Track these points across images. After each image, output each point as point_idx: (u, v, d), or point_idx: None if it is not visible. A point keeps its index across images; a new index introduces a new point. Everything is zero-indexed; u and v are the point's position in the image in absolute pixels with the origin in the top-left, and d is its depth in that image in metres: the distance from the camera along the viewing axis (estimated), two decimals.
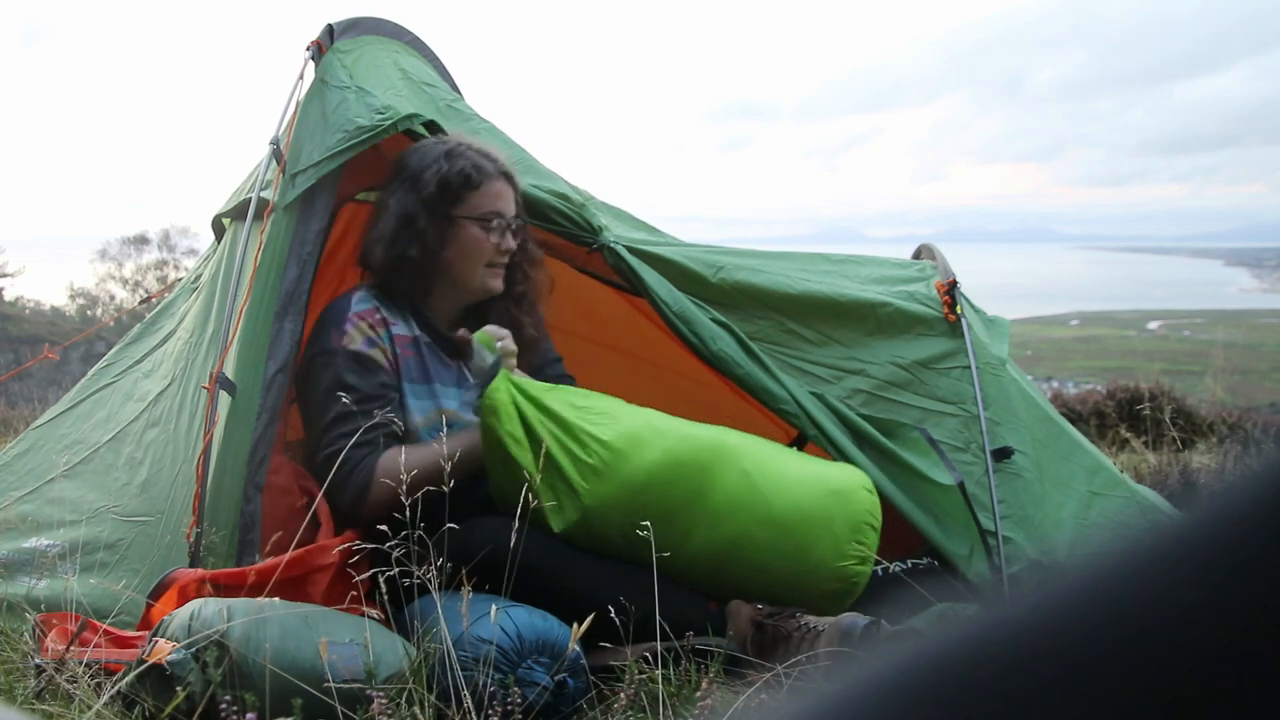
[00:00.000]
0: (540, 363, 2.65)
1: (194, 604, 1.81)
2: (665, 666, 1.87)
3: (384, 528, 1.95)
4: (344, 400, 2.23)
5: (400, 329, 2.40)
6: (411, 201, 2.40)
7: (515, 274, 2.54)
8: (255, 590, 1.93)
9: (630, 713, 1.83)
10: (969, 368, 2.53)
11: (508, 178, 2.48)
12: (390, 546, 1.90)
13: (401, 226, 2.40)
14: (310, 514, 2.22)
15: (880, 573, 2.35)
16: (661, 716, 1.79)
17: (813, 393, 2.51)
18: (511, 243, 2.47)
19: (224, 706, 1.59)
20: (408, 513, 1.94)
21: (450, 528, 1.95)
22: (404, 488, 2.00)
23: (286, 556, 1.98)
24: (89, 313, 29.63)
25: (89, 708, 1.72)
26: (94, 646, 1.90)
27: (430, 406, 2.38)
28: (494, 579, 2.00)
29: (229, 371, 2.27)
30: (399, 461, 2.13)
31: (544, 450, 2.07)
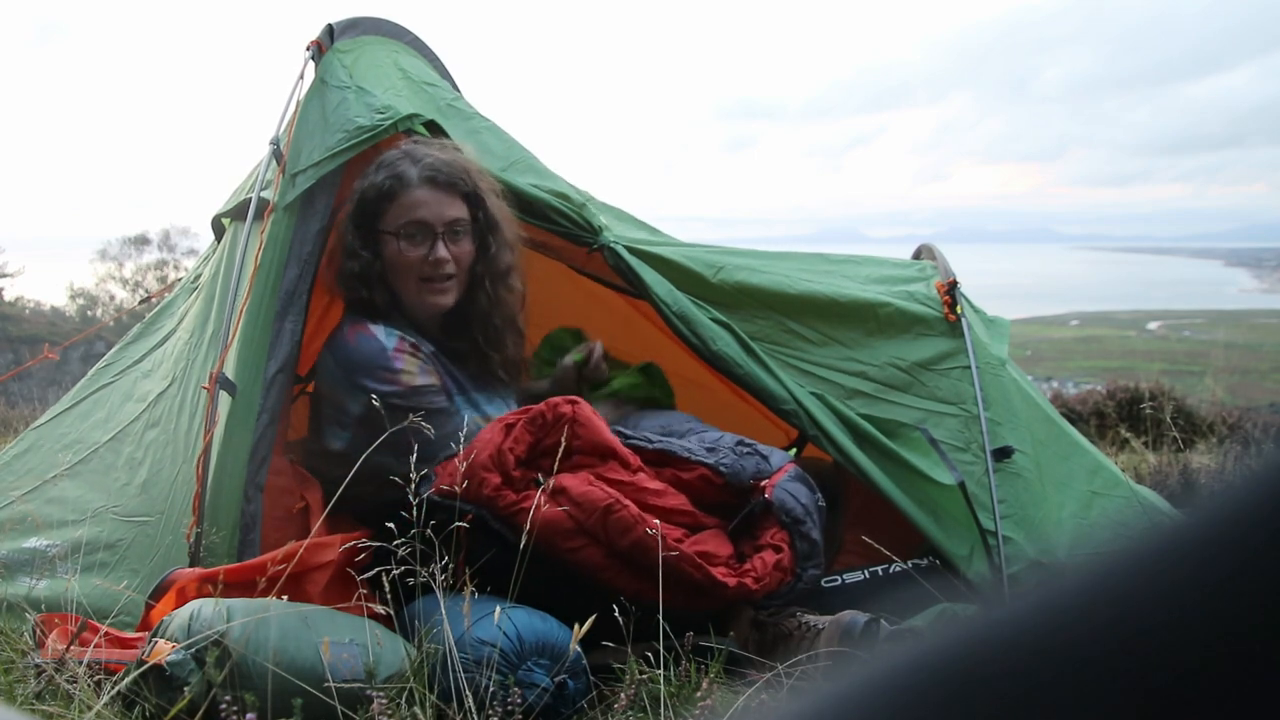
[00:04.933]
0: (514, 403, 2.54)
1: (194, 604, 1.81)
2: (665, 667, 1.87)
3: (391, 525, 1.94)
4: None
5: (425, 348, 2.36)
6: (346, 217, 2.38)
7: (477, 293, 2.41)
8: (261, 586, 1.93)
9: (630, 713, 1.83)
10: (969, 368, 2.53)
11: (434, 182, 2.33)
12: (395, 546, 1.90)
13: (340, 243, 2.39)
14: (306, 519, 2.22)
15: (880, 572, 2.35)
16: (661, 716, 1.79)
17: (813, 393, 2.51)
18: (444, 252, 2.33)
19: (224, 707, 1.59)
20: (414, 512, 1.93)
21: (460, 526, 1.95)
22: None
23: (294, 546, 1.97)
24: (89, 313, 29.63)
25: (89, 708, 1.72)
26: (94, 647, 1.90)
27: (472, 413, 2.35)
28: (497, 579, 1.99)
29: (229, 372, 2.27)
30: None
31: None
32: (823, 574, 2.23)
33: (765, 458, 2.28)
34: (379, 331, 2.31)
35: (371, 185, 2.34)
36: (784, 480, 2.22)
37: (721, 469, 2.20)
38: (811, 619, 2.10)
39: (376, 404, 2.17)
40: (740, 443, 2.32)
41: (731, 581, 2.03)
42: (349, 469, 2.06)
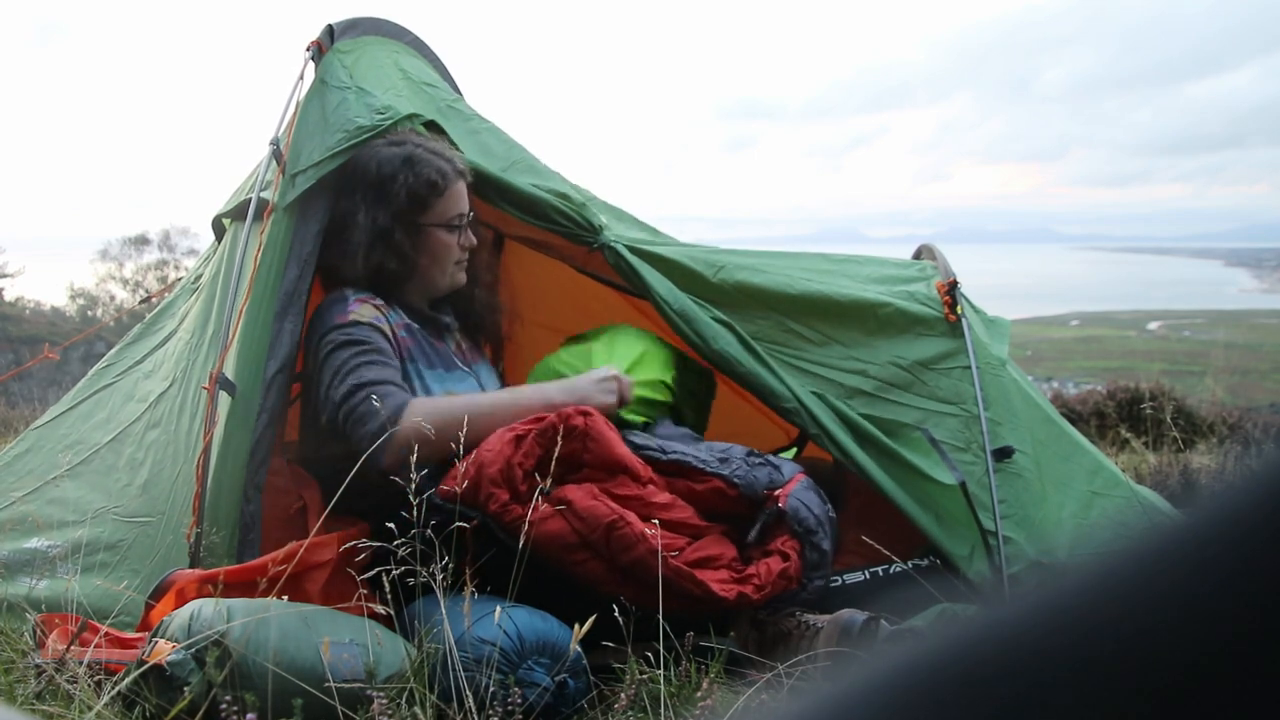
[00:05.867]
0: (500, 366, 2.81)
1: (194, 604, 1.81)
2: (665, 667, 1.87)
3: (391, 525, 1.94)
4: (361, 354, 2.27)
5: (395, 319, 2.42)
6: (382, 215, 2.41)
7: (478, 262, 2.64)
8: (262, 586, 1.93)
9: (630, 713, 1.83)
10: (969, 368, 2.53)
11: (463, 176, 2.52)
12: (395, 546, 1.90)
13: (376, 240, 2.41)
14: (305, 519, 2.22)
15: (881, 573, 2.35)
16: (662, 716, 1.79)
17: (813, 392, 2.51)
18: (473, 238, 2.55)
19: (224, 707, 1.59)
20: (412, 490, 1.93)
21: (460, 526, 1.95)
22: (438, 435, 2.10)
23: (294, 546, 1.97)
24: (89, 313, 29.63)
25: (89, 708, 1.72)
26: (94, 647, 1.90)
27: (442, 390, 2.40)
28: (498, 579, 2.00)
29: (229, 372, 2.27)
30: (439, 404, 2.23)
31: None
32: (828, 583, 2.24)
33: (777, 468, 2.28)
34: (348, 291, 2.41)
35: (424, 181, 2.41)
36: (797, 490, 2.23)
37: (735, 480, 2.21)
38: (810, 618, 2.10)
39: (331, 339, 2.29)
40: (750, 453, 2.32)
41: (731, 594, 2.04)
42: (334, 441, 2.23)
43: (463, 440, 2.08)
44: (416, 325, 2.46)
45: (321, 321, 2.36)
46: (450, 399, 2.28)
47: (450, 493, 2.05)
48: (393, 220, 2.41)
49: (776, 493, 2.21)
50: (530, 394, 2.34)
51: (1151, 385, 6.65)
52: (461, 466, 2.06)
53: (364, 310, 2.36)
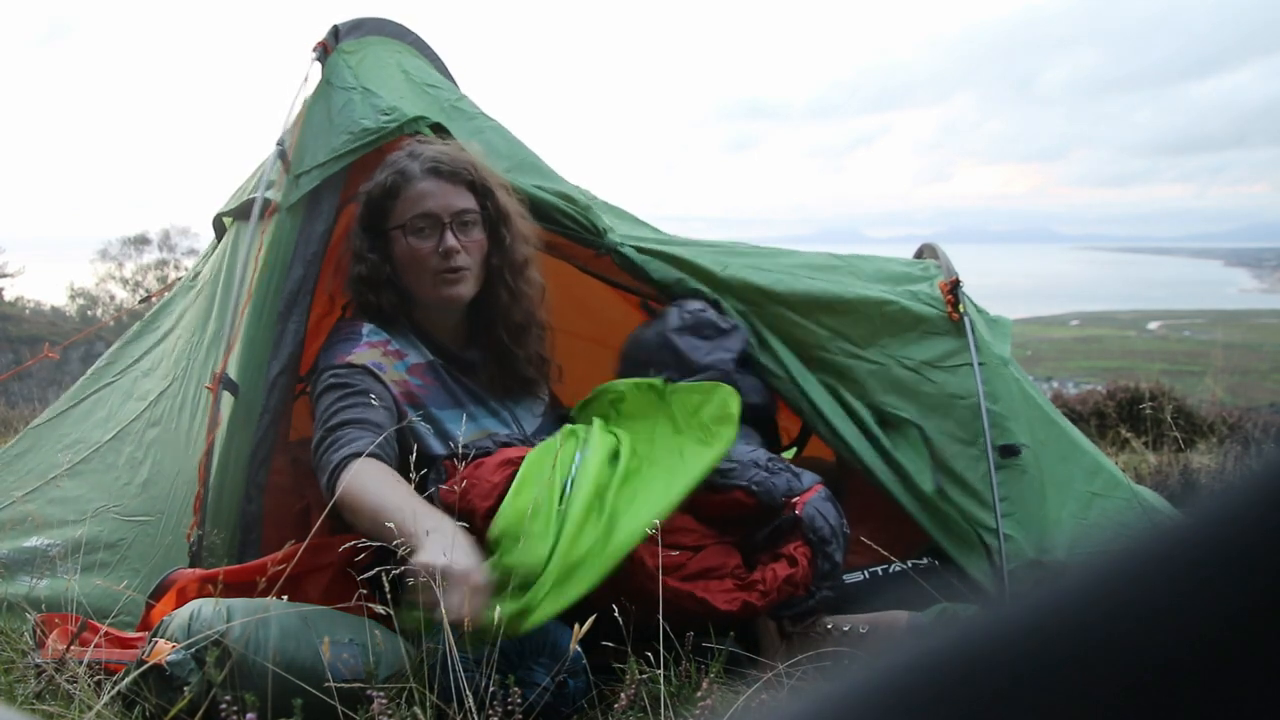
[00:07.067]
0: (541, 409, 2.47)
1: (194, 604, 1.81)
2: (665, 666, 1.87)
3: (390, 525, 1.93)
4: (343, 399, 2.16)
5: (414, 358, 2.29)
6: (354, 221, 2.36)
7: (497, 288, 2.35)
8: (261, 586, 1.93)
9: (630, 713, 1.83)
10: (972, 366, 2.54)
11: (438, 173, 2.28)
12: (395, 545, 1.90)
13: (348, 250, 2.36)
14: (308, 519, 2.22)
15: (880, 573, 2.35)
16: (661, 716, 1.79)
17: (821, 380, 2.51)
18: (453, 241, 2.26)
19: (224, 707, 1.59)
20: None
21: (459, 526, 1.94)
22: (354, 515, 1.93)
23: (294, 547, 1.97)
24: (89, 313, 29.67)
25: (89, 708, 1.72)
26: (94, 647, 1.90)
27: (473, 428, 2.26)
28: None
29: (232, 372, 2.27)
30: (364, 484, 1.95)
31: None
32: (835, 595, 2.23)
33: (796, 475, 2.26)
34: (365, 327, 2.27)
35: (376, 184, 2.31)
36: (814, 499, 2.21)
37: (754, 488, 2.19)
38: (838, 621, 2.12)
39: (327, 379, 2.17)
40: (770, 458, 2.29)
41: (735, 605, 2.04)
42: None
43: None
44: (440, 361, 2.32)
45: (329, 352, 2.26)
46: (376, 484, 1.97)
47: (450, 493, 2.05)
48: (357, 227, 2.33)
49: (794, 500, 2.20)
50: (416, 527, 1.84)
51: (1151, 385, 6.65)
52: (462, 467, 2.05)
53: (366, 354, 2.22)
